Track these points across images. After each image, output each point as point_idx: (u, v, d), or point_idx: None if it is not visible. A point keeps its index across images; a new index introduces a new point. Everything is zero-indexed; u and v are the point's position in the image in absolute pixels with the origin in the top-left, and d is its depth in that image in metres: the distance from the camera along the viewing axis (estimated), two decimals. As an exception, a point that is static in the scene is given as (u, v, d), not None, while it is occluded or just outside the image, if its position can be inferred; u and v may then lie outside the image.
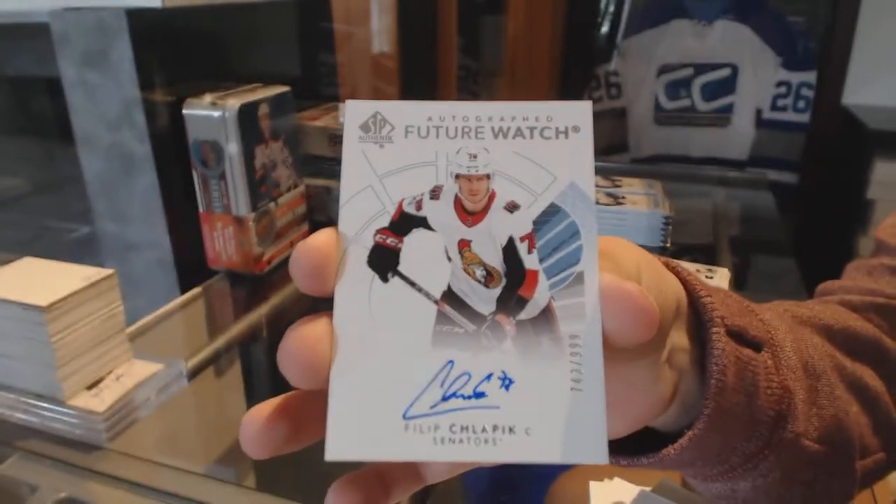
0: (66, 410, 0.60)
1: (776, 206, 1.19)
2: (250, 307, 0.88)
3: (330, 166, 1.09)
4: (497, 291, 0.20)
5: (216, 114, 0.83)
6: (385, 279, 0.20)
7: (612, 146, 2.03)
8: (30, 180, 1.35)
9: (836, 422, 0.31)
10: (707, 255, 0.97)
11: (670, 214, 0.91)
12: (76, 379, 0.61)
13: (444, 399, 0.19)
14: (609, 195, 0.95)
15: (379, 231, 0.20)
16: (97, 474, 0.57)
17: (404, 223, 0.21)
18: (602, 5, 2.21)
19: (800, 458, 0.29)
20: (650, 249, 0.25)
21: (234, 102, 0.83)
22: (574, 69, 2.10)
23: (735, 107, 1.95)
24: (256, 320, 0.86)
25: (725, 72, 1.94)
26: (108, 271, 0.62)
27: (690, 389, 0.26)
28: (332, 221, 0.20)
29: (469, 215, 0.21)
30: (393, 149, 0.21)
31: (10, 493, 0.57)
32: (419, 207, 0.21)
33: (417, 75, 1.37)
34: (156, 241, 0.88)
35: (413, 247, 0.20)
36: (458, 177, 0.21)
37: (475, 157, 0.21)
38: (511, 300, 0.20)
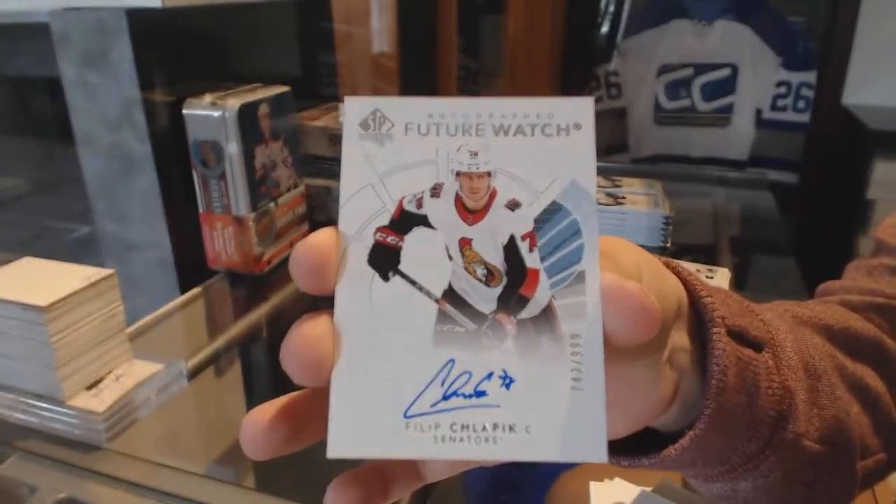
0: (65, 410, 0.60)
1: (776, 206, 1.19)
2: (250, 307, 0.88)
3: (330, 166, 1.09)
4: (498, 290, 0.20)
5: (216, 114, 0.83)
6: (386, 278, 0.20)
7: (612, 146, 2.03)
8: (30, 180, 1.35)
9: (837, 422, 0.31)
10: (707, 256, 0.97)
11: (670, 214, 0.91)
12: (76, 379, 0.61)
13: (445, 398, 0.19)
14: (609, 195, 0.95)
15: (379, 229, 0.20)
16: (97, 475, 0.57)
17: (405, 221, 0.21)
18: (602, 5, 2.21)
19: (801, 459, 0.29)
20: (650, 249, 0.24)
21: (234, 102, 0.83)
22: (574, 69, 2.10)
23: (735, 107, 1.95)
24: (256, 320, 0.86)
25: (725, 72, 1.94)
26: (108, 271, 0.62)
27: (691, 390, 0.26)
28: (332, 221, 0.20)
29: (470, 213, 0.21)
30: (393, 146, 0.21)
31: (10, 493, 0.57)
32: (420, 205, 0.21)
33: (417, 75, 1.37)
34: (156, 241, 0.88)
35: (414, 245, 0.20)
36: (458, 174, 0.21)
37: (476, 154, 0.21)
38: (512, 299, 0.20)
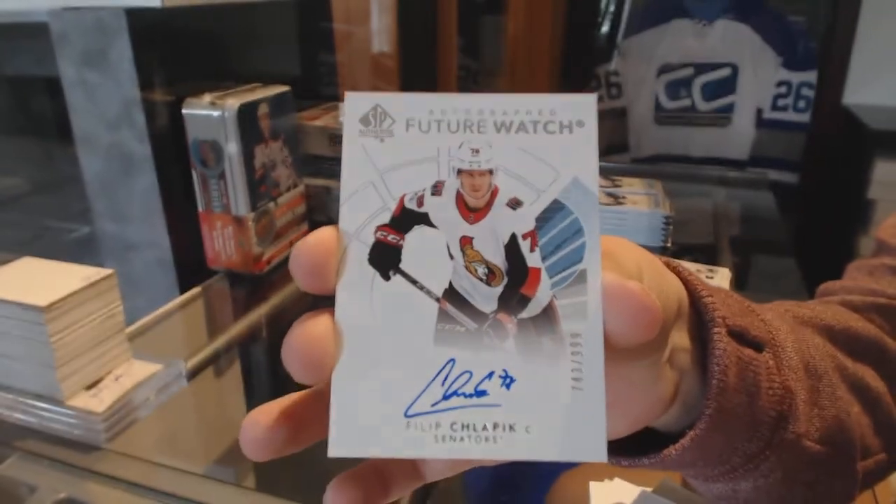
0: (65, 411, 0.60)
1: (777, 205, 1.19)
2: (250, 307, 0.88)
3: (330, 166, 1.09)
4: (499, 289, 0.20)
5: (216, 113, 0.83)
6: (386, 277, 0.20)
7: (612, 146, 2.03)
8: (29, 180, 1.35)
9: (838, 422, 0.31)
10: (707, 255, 0.97)
11: (671, 214, 0.91)
12: (75, 379, 0.61)
13: (446, 397, 0.19)
14: (609, 195, 0.95)
15: (380, 228, 0.20)
16: (96, 475, 0.57)
17: (405, 220, 0.20)
18: (602, 5, 2.21)
19: (801, 459, 0.29)
20: (651, 249, 0.24)
21: (233, 102, 0.83)
22: (574, 69, 2.10)
23: (735, 106, 1.95)
24: (256, 320, 0.85)
25: (726, 71, 1.93)
26: (108, 271, 0.62)
27: (692, 390, 0.26)
28: (331, 221, 0.20)
29: (471, 212, 0.21)
30: (394, 143, 0.21)
31: (9, 493, 0.57)
32: (421, 203, 0.20)
33: (417, 75, 1.37)
34: (155, 240, 0.88)
35: (414, 244, 0.20)
36: (459, 172, 0.21)
37: (477, 152, 0.21)
38: (513, 298, 0.20)
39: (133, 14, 0.78)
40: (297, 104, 0.97)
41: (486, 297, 0.20)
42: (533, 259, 0.20)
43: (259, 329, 0.84)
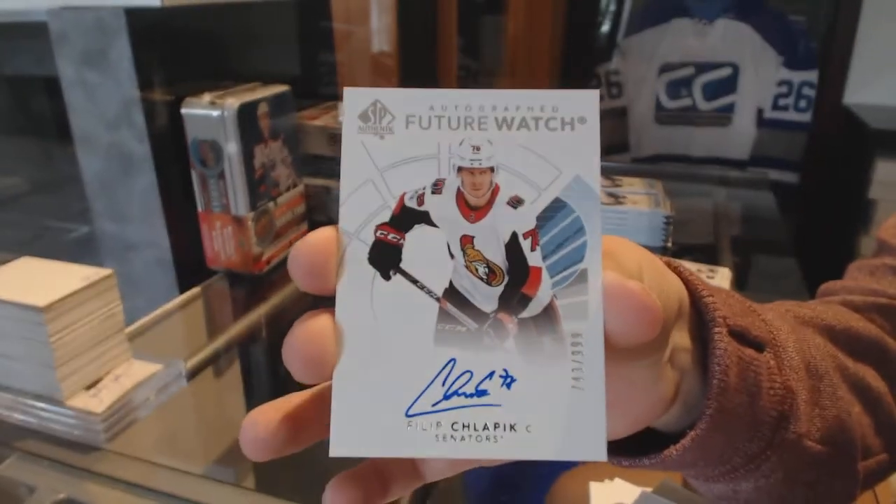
0: (64, 411, 0.60)
1: (777, 205, 1.19)
2: (249, 307, 0.88)
3: (329, 166, 1.08)
4: (499, 289, 0.20)
5: (215, 113, 0.82)
6: (387, 276, 0.20)
7: (612, 145, 2.03)
8: (29, 180, 1.35)
9: (839, 422, 0.30)
10: (708, 255, 0.97)
11: (671, 214, 0.91)
12: (75, 379, 0.60)
13: (446, 397, 0.19)
14: (610, 195, 0.95)
15: (380, 227, 0.20)
16: (96, 475, 0.57)
17: (406, 218, 0.20)
18: (602, 4, 2.21)
19: (802, 459, 0.29)
20: (651, 249, 0.24)
21: (233, 102, 0.83)
22: (574, 68, 2.10)
23: (736, 106, 1.95)
24: (256, 320, 0.85)
25: (726, 71, 1.93)
26: (107, 271, 0.62)
27: (692, 390, 0.26)
28: (331, 221, 0.20)
29: (472, 210, 0.20)
30: (394, 140, 0.21)
31: (9, 493, 0.56)
32: (421, 202, 0.20)
33: (417, 75, 1.37)
34: (155, 240, 0.88)
35: (415, 243, 0.20)
36: (460, 170, 0.20)
37: (478, 149, 0.20)
38: (513, 298, 0.20)
39: (132, 14, 0.78)
40: (296, 104, 0.97)
41: (486, 297, 0.20)
42: (534, 258, 0.20)
43: (259, 329, 0.84)
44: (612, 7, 2.19)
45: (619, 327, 0.20)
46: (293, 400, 0.22)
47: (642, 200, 0.94)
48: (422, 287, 0.20)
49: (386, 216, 0.20)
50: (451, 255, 0.20)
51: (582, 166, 0.20)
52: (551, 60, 1.92)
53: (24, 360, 0.60)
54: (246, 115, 0.84)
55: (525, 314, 0.20)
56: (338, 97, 1.28)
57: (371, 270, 0.20)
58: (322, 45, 1.33)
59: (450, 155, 0.20)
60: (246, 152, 0.85)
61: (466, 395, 0.19)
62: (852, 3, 1.85)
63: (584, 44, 2.17)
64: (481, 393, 0.19)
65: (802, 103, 1.91)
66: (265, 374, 0.80)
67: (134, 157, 0.84)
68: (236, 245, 0.89)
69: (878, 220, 1.70)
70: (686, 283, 0.26)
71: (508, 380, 0.19)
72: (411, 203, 0.20)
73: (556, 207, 0.20)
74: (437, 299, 0.20)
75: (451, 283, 0.20)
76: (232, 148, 0.84)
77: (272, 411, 0.21)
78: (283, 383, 0.70)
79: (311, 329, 0.19)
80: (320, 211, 1.05)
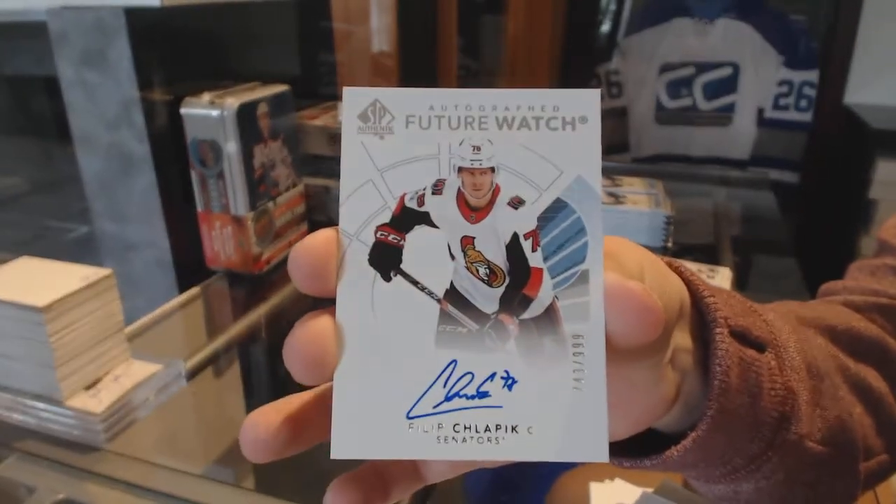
0: (64, 411, 0.60)
1: (778, 205, 1.19)
2: (249, 307, 0.88)
3: (329, 165, 1.08)
4: (500, 290, 0.20)
5: (215, 113, 0.82)
6: (387, 278, 0.20)
7: (612, 145, 2.03)
8: (29, 180, 1.35)
9: (840, 423, 0.30)
10: (708, 255, 0.97)
11: (671, 214, 0.91)
12: (74, 379, 0.60)
13: (448, 399, 0.19)
14: (610, 195, 0.95)
15: (380, 228, 0.20)
16: (95, 475, 0.57)
17: (406, 219, 0.20)
18: (602, 4, 2.21)
19: (803, 460, 0.29)
20: (651, 249, 0.24)
21: (232, 101, 0.83)
22: (574, 68, 2.10)
23: (736, 106, 1.95)
24: (255, 320, 0.85)
25: (727, 71, 1.93)
26: (106, 271, 0.62)
27: (693, 390, 0.26)
28: (331, 221, 0.20)
29: (472, 211, 0.20)
30: (394, 140, 0.20)
31: (8, 494, 0.56)
32: (421, 203, 0.20)
33: (417, 75, 1.37)
34: (154, 240, 0.88)
35: (415, 244, 0.20)
36: (460, 170, 0.20)
37: (479, 149, 0.20)
38: (514, 299, 0.20)
39: (132, 13, 0.78)
40: (296, 104, 0.97)
41: (487, 298, 0.20)
42: (535, 259, 0.20)
43: (258, 329, 0.84)
44: (612, 7, 2.19)
45: (621, 328, 0.20)
46: (294, 401, 0.21)
47: (642, 200, 0.94)
48: (422, 288, 0.20)
49: (386, 217, 0.20)
50: (452, 256, 0.20)
51: (583, 166, 0.20)
52: (551, 60, 1.92)
53: (23, 360, 0.60)
54: (245, 114, 0.84)
55: (526, 315, 0.20)
56: (337, 97, 1.28)
57: (371, 272, 0.20)
58: (322, 45, 1.33)
59: (450, 155, 0.20)
60: (245, 152, 0.85)
61: (468, 397, 0.19)
62: (853, 3, 1.85)
63: (584, 44, 2.17)
64: (482, 394, 0.19)
65: (803, 103, 1.91)
66: (265, 375, 0.80)
67: (134, 157, 0.84)
68: (236, 245, 0.89)
69: (878, 220, 1.70)
70: (687, 283, 0.26)
71: (510, 381, 0.19)
72: (411, 204, 0.20)
73: (558, 208, 0.20)
74: (438, 300, 0.20)
75: (451, 284, 0.20)
76: (231, 148, 0.83)
77: (273, 412, 0.21)
78: (283, 383, 0.70)
79: (311, 330, 0.19)
80: (320, 211, 1.05)
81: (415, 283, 0.20)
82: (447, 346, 0.20)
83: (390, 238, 0.20)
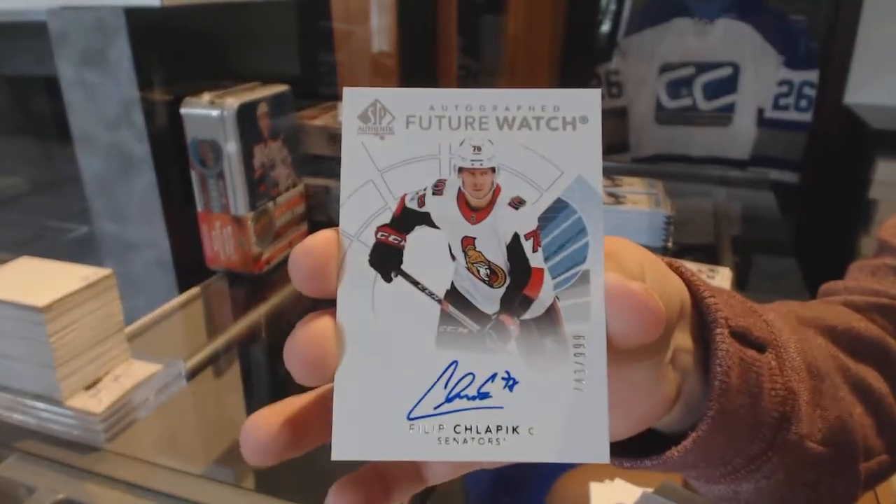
0: (63, 411, 0.60)
1: (778, 205, 1.19)
2: (249, 307, 0.88)
3: (329, 165, 1.08)
4: (501, 291, 0.20)
5: (214, 113, 0.82)
6: (388, 278, 0.20)
7: (612, 145, 2.03)
8: (29, 180, 1.35)
9: (840, 423, 0.30)
10: (708, 255, 0.97)
11: (671, 214, 0.91)
12: (74, 379, 0.60)
13: (449, 399, 0.19)
14: (610, 195, 0.95)
15: (381, 228, 0.20)
16: (95, 475, 0.57)
17: (406, 219, 0.20)
18: (602, 4, 2.21)
19: (803, 460, 0.29)
20: (651, 249, 0.24)
21: (232, 101, 0.83)
22: (574, 68, 2.10)
23: (737, 106, 1.95)
24: (255, 320, 0.85)
25: (727, 71, 1.93)
26: (106, 271, 0.62)
27: (694, 391, 0.26)
28: (331, 221, 0.20)
29: (473, 211, 0.20)
30: (394, 140, 0.20)
31: (8, 494, 0.56)
32: (422, 203, 0.20)
33: (417, 75, 1.37)
34: (154, 240, 0.88)
35: (416, 245, 0.20)
36: (461, 170, 0.20)
37: (479, 149, 0.20)
38: (515, 300, 0.20)
39: (132, 13, 0.78)
40: (296, 103, 0.97)
41: (488, 299, 0.20)
42: (536, 259, 0.20)
43: (258, 329, 0.84)
44: (612, 7, 2.19)
45: (622, 329, 0.20)
46: (294, 403, 0.21)
47: (642, 200, 0.94)
48: (423, 289, 0.20)
49: (387, 217, 0.20)
50: (453, 257, 0.20)
51: (584, 166, 0.20)
52: (551, 60, 1.92)
53: (23, 360, 0.60)
54: (245, 114, 0.84)
55: (527, 316, 0.20)
56: (338, 97, 1.28)
57: (372, 272, 0.20)
58: (322, 45, 1.33)
59: (450, 155, 0.20)
60: (245, 152, 0.85)
61: (469, 398, 0.19)
62: (853, 3, 1.85)
63: (584, 44, 2.17)
64: (483, 395, 0.19)
65: (803, 103, 1.91)
66: (265, 375, 0.80)
67: (133, 157, 0.84)
68: (236, 245, 0.89)
69: (878, 220, 1.70)
70: (688, 283, 0.26)
71: (511, 382, 0.19)
72: (412, 204, 0.20)
73: (558, 208, 0.20)
74: (439, 301, 0.20)
75: (452, 284, 0.20)
76: (231, 148, 0.83)
77: (273, 415, 0.21)
78: (283, 384, 0.70)
79: (312, 331, 0.19)
80: (320, 211, 1.05)
81: (415, 283, 0.20)
82: (448, 347, 0.20)
83: (391, 239, 0.20)
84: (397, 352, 0.19)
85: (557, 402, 0.19)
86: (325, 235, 0.20)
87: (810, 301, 0.41)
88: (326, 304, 0.20)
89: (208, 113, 0.83)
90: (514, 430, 0.19)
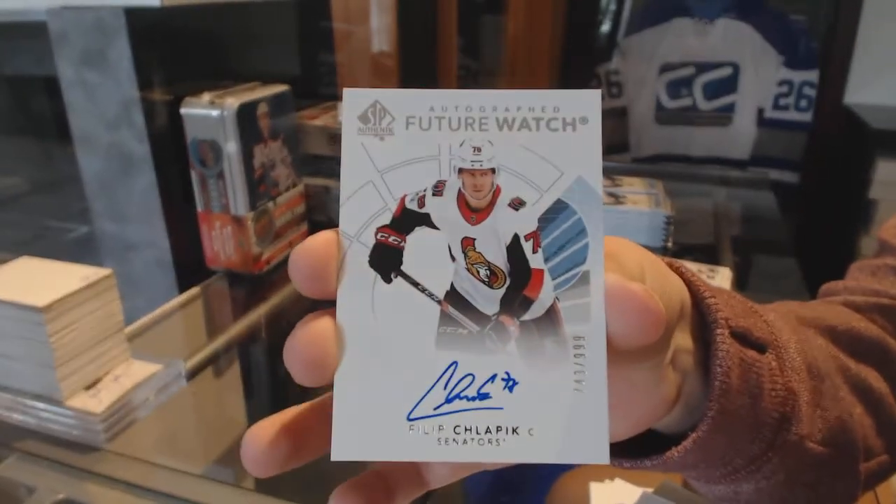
0: (63, 411, 0.60)
1: (778, 205, 1.19)
2: (249, 307, 0.88)
3: (329, 165, 1.08)
4: (501, 291, 0.20)
5: (214, 113, 0.82)
6: (388, 279, 0.20)
7: (612, 145, 2.03)
8: (29, 180, 1.35)
9: (841, 424, 0.30)
10: (708, 255, 0.97)
11: (671, 214, 0.91)
12: (74, 379, 0.60)
13: (448, 400, 0.19)
14: (610, 195, 0.95)
15: (380, 229, 0.20)
16: (95, 475, 0.57)
17: (406, 220, 0.20)
18: (602, 4, 2.21)
19: (804, 461, 0.29)
20: (651, 249, 0.24)
21: (232, 101, 0.83)
22: (574, 68, 2.10)
23: (736, 106, 1.95)
24: (255, 320, 0.85)
25: (727, 70, 1.93)
26: (106, 271, 0.62)
27: (694, 391, 0.26)
28: (331, 221, 0.20)
29: (473, 212, 0.20)
30: (394, 141, 0.20)
31: (8, 494, 0.56)
32: (422, 204, 0.20)
33: (417, 75, 1.37)
34: (154, 240, 0.88)
35: (416, 246, 0.20)
36: (461, 171, 0.20)
37: (479, 150, 0.20)
38: (515, 300, 0.20)
39: (132, 13, 0.78)
40: (296, 104, 0.97)
41: (488, 299, 0.20)
42: (535, 260, 0.20)
43: (258, 329, 0.84)
44: (612, 7, 2.19)
45: (622, 329, 0.20)
46: (294, 413, 0.21)
47: (642, 200, 0.94)
48: (423, 290, 0.20)
49: (386, 218, 0.20)
50: (453, 258, 0.20)
51: (584, 167, 0.20)
52: (551, 60, 1.92)
53: (23, 360, 0.60)
54: (245, 114, 0.84)
55: (527, 316, 0.20)
56: (338, 97, 1.28)
57: (372, 273, 0.20)
58: (322, 45, 1.33)
59: (450, 156, 0.20)
60: (245, 152, 0.85)
61: (468, 399, 0.19)
62: (853, 3, 1.85)
63: (584, 44, 2.17)
64: (483, 396, 0.19)
65: (803, 103, 1.91)
66: (265, 375, 0.80)
67: (133, 157, 0.84)
68: (236, 245, 0.89)
69: (878, 220, 1.70)
70: (688, 284, 0.26)
71: (510, 383, 0.19)
72: (412, 205, 0.20)
73: (558, 209, 0.20)
74: (439, 302, 0.20)
75: (452, 285, 0.20)
76: (231, 148, 0.83)
77: (273, 426, 0.21)
78: (283, 384, 0.70)
79: (312, 332, 0.19)
80: (320, 211, 1.05)
81: (415, 284, 0.20)
82: (448, 348, 0.20)
83: (391, 240, 0.20)
84: (397, 352, 0.19)
85: (557, 403, 0.19)
86: (324, 236, 0.20)
87: (810, 301, 0.41)
88: (326, 305, 0.20)
89: (208, 113, 0.83)
90: (514, 430, 0.19)
